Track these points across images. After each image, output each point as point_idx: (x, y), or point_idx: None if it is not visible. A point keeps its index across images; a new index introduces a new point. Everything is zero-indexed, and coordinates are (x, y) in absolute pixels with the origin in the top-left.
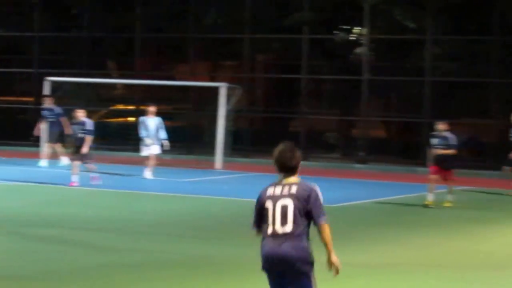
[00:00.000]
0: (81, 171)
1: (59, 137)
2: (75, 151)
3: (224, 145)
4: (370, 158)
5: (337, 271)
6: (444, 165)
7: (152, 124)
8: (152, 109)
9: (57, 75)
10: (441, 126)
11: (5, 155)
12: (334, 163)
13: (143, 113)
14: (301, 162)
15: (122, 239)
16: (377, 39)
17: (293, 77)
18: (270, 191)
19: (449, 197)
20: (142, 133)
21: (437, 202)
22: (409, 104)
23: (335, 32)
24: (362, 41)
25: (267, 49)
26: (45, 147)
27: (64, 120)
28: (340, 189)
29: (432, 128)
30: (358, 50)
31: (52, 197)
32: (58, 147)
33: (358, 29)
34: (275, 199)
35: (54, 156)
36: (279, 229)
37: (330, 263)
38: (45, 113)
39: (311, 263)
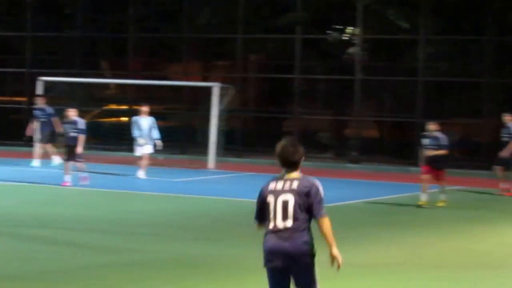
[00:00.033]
0: (73, 170)
1: (50, 137)
2: (68, 151)
3: (217, 145)
4: (363, 158)
5: (338, 265)
6: (436, 165)
7: (145, 124)
8: (145, 109)
9: (50, 75)
10: (432, 126)
11: None
12: (327, 163)
13: (136, 113)
14: None
15: (115, 239)
16: (370, 39)
17: (286, 77)
18: (272, 186)
19: (442, 196)
20: (135, 133)
21: (430, 202)
22: (402, 104)
23: (328, 32)
24: (355, 41)
25: (260, 49)
26: (37, 147)
27: (55, 120)
28: (333, 189)
29: (424, 128)
30: (351, 50)
31: (45, 197)
32: (49, 147)
33: (351, 29)
34: (276, 194)
35: (46, 156)
36: (281, 224)
37: (331, 257)
38: (36, 113)
39: (313, 256)
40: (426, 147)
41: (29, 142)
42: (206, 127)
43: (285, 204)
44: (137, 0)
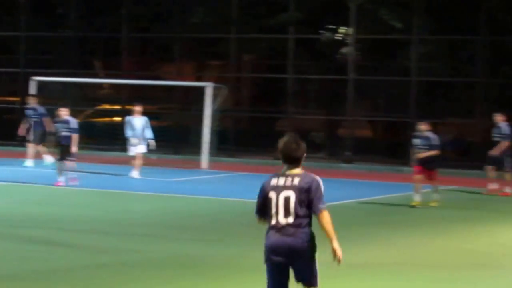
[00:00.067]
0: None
1: (42, 137)
2: (60, 151)
3: (210, 145)
4: (356, 157)
5: (339, 259)
6: (428, 165)
7: (138, 124)
8: (138, 108)
9: (43, 75)
10: (423, 126)
11: None
12: (320, 163)
13: (130, 112)
14: None
15: (110, 239)
16: (363, 39)
17: (279, 77)
18: (273, 182)
19: (435, 196)
20: (128, 133)
21: (423, 201)
22: (395, 104)
23: (321, 32)
24: (348, 41)
25: (254, 49)
26: (29, 147)
27: (46, 120)
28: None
29: (416, 128)
30: (344, 50)
31: (38, 197)
32: (41, 147)
33: (344, 29)
34: (278, 190)
35: (39, 156)
36: (283, 220)
37: (332, 251)
38: (28, 112)
39: (314, 250)
40: (417, 147)
41: (22, 142)
42: (199, 127)
43: (286, 201)
44: (130, 0)
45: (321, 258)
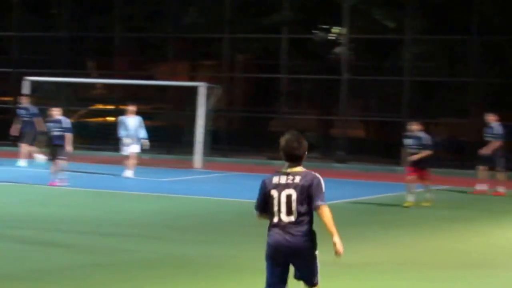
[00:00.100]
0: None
1: (33, 136)
2: (52, 150)
3: (204, 144)
4: (349, 157)
5: (337, 251)
6: (420, 165)
7: (132, 123)
8: (131, 108)
9: (36, 75)
10: (414, 126)
11: None
12: (314, 163)
13: (123, 112)
14: (281, 162)
15: (103, 239)
16: (357, 38)
17: (272, 76)
18: (275, 180)
19: (427, 196)
20: (121, 132)
21: (416, 201)
22: (388, 103)
23: (314, 32)
24: (341, 41)
25: (247, 49)
26: (22, 147)
27: (38, 120)
28: None
29: (407, 128)
30: (338, 50)
31: (31, 196)
32: (32, 147)
33: (337, 29)
34: (280, 188)
35: (32, 156)
36: (285, 218)
37: (333, 245)
38: (20, 112)
39: (315, 248)
40: (409, 147)
41: (15, 142)
42: (192, 126)
43: (288, 199)
44: (123, 0)
45: (321, 258)
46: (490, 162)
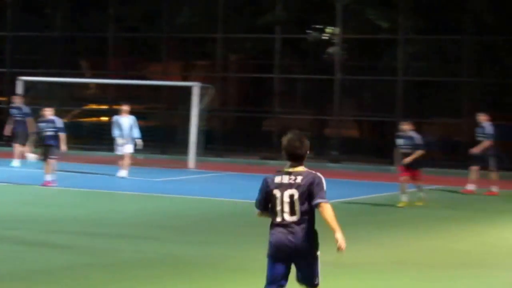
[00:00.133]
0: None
1: (24, 136)
2: (45, 151)
3: (197, 144)
4: (343, 157)
5: (339, 247)
6: (412, 165)
7: (126, 123)
8: (125, 108)
9: (30, 75)
10: (406, 126)
11: None
12: (307, 162)
13: (116, 112)
14: (275, 162)
15: (97, 239)
16: (350, 38)
17: (266, 76)
18: (278, 180)
19: (420, 196)
20: (115, 132)
21: (410, 201)
22: (382, 103)
23: (307, 31)
24: (334, 41)
25: (240, 48)
26: (15, 148)
27: (30, 120)
28: None
29: (399, 128)
30: (331, 49)
31: (25, 197)
32: (24, 147)
33: (330, 29)
34: (282, 188)
35: (24, 156)
36: (288, 218)
37: (335, 241)
38: (13, 111)
39: (317, 247)
40: (401, 147)
41: (8, 142)
42: (186, 126)
43: (291, 199)
44: (117, 0)
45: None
46: (482, 162)
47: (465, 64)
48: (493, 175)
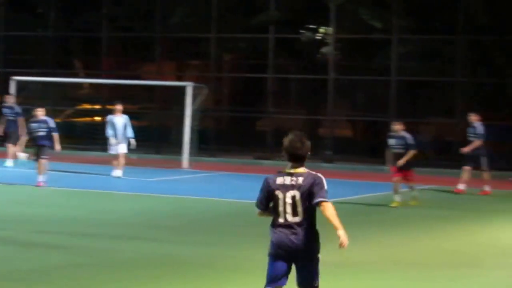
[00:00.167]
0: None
1: (16, 136)
2: (37, 151)
3: (191, 144)
4: (337, 157)
5: (341, 243)
6: (404, 166)
7: (119, 123)
8: (119, 107)
9: (23, 75)
10: (397, 126)
11: None
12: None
13: (110, 112)
14: (269, 162)
15: (90, 239)
16: (343, 38)
17: (259, 76)
18: (279, 180)
19: (414, 195)
20: (109, 132)
21: (403, 201)
22: (375, 103)
23: (301, 31)
24: (328, 41)
25: (234, 48)
26: (8, 148)
27: (21, 120)
28: None
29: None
30: (325, 49)
31: (18, 197)
32: (16, 147)
33: (324, 29)
34: (284, 189)
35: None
36: (290, 218)
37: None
38: (5, 111)
39: (318, 249)
40: (393, 147)
41: (1, 142)
42: (180, 126)
43: (293, 200)
44: None
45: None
46: (474, 162)
47: (458, 64)
48: (485, 174)
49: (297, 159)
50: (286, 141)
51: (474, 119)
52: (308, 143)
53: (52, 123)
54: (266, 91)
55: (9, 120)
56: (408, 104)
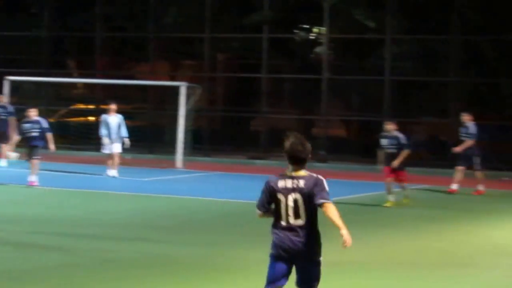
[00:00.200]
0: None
1: (6, 135)
2: (29, 151)
3: (185, 144)
4: (331, 157)
5: (345, 241)
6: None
7: (114, 122)
8: (113, 107)
9: (17, 75)
10: (390, 126)
11: None
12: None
13: (104, 112)
14: (262, 162)
15: (83, 239)
16: (337, 38)
17: (253, 76)
18: (281, 184)
19: (405, 195)
20: (102, 131)
21: (396, 201)
22: (369, 103)
23: (295, 31)
24: (322, 41)
25: (227, 48)
26: (2, 148)
27: (12, 119)
28: None
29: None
30: (318, 49)
31: (12, 197)
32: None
33: (318, 29)
34: (286, 192)
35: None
36: (292, 221)
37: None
38: None
39: (319, 251)
40: (385, 147)
41: None
42: (173, 126)
43: (295, 203)
44: None
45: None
46: (467, 162)
47: (452, 64)
48: (478, 174)
49: (298, 162)
50: (287, 144)
51: (466, 119)
52: (309, 146)
53: (45, 123)
54: (260, 91)
55: (1, 119)
56: (402, 104)
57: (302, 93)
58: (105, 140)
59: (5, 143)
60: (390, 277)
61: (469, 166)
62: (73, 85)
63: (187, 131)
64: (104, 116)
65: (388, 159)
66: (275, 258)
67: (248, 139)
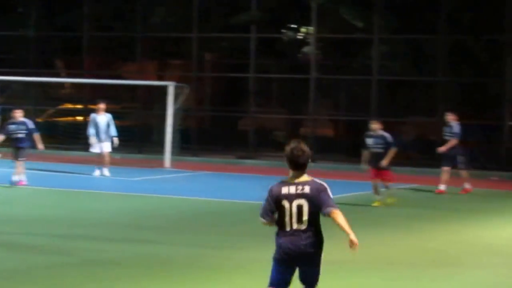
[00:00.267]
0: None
1: None
2: (16, 152)
3: (173, 144)
4: (318, 156)
5: (353, 243)
6: (379, 165)
7: (102, 121)
8: (102, 106)
9: (4, 74)
10: (375, 125)
11: None
12: (283, 162)
13: (92, 112)
14: (251, 161)
15: (72, 239)
16: (325, 38)
17: (241, 76)
18: (285, 190)
19: (389, 193)
20: (90, 131)
21: (383, 200)
22: (357, 103)
23: (283, 31)
24: (309, 40)
25: (215, 48)
26: None
27: None
28: None
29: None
30: (306, 49)
31: (1, 197)
32: None
33: (305, 28)
34: (290, 198)
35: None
36: (296, 227)
37: (349, 242)
38: None
39: (321, 254)
40: (371, 147)
41: None
42: (162, 126)
43: (299, 209)
44: None
45: None
46: (451, 162)
47: (440, 64)
48: (463, 173)
49: (299, 167)
50: (287, 149)
51: (451, 118)
52: (308, 151)
53: (30, 124)
54: (248, 91)
55: None
56: (389, 104)
57: (290, 93)
58: (93, 140)
59: None
60: (378, 277)
61: (454, 166)
62: (61, 84)
63: (175, 131)
64: (93, 115)
65: (374, 159)
66: (279, 261)
67: (236, 138)
